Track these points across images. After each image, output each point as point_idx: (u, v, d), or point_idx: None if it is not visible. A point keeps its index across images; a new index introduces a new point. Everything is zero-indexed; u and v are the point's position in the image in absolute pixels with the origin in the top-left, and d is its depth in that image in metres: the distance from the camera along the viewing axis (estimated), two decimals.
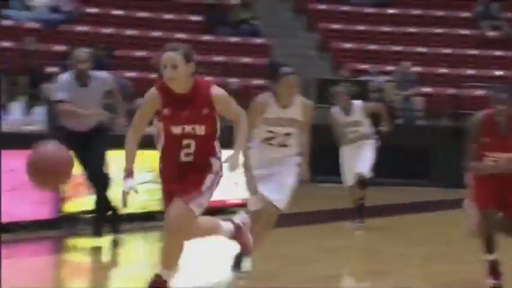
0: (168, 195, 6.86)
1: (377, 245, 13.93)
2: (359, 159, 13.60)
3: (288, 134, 9.12)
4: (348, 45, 28.58)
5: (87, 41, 23.71)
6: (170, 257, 6.93)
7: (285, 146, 9.15)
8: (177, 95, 6.76)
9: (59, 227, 13.96)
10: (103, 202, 13.00)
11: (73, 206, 14.66)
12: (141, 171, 14.89)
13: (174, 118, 6.80)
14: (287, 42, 29.21)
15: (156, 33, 28.04)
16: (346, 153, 13.61)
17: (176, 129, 6.77)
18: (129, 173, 6.63)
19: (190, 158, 6.87)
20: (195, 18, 29.77)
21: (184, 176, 6.84)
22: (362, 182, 13.59)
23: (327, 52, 28.10)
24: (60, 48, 24.78)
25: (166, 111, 6.72)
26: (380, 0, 31.02)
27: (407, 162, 22.63)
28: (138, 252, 14.91)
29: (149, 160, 14.60)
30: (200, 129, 6.78)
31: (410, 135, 23.16)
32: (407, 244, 13.63)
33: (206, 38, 28.88)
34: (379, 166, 19.00)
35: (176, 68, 6.54)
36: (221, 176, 7.04)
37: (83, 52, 12.76)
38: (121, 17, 28.85)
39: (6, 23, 25.74)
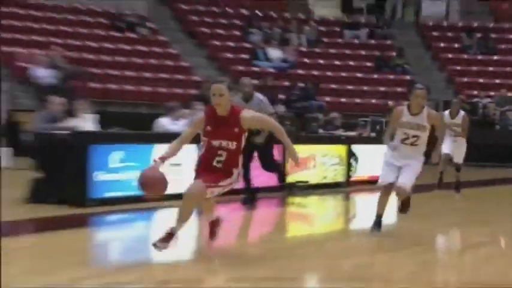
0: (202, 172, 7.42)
1: (489, 204, 14.96)
2: (457, 151, 14.56)
3: (416, 136, 9.63)
4: (465, 79, 29.95)
5: (302, 79, 28.55)
6: (181, 214, 7.29)
7: (415, 145, 9.70)
8: (218, 117, 7.17)
9: (283, 192, 15.40)
10: (282, 178, 14.16)
11: (291, 178, 16.17)
12: (333, 157, 18.03)
13: (214, 134, 7.20)
14: (425, 78, 28.84)
15: (345, 74, 31.00)
16: (446, 141, 13.92)
17: (215, 142, 7.20)
18: (160, 159, 7.11)
19: (220, 165, 7.29)
20: (368, 63, 32.06)
21: (212, 173, 7.33)
22: (458, 169, 14.85)
23: (452, 84, 29.37)
24: (286, 84, 28.49)
25: (208, 128, 7.14)
26: (488, 50, 32.57)
27: (501, 153, 24.34)
28: (328, 207, 16.42)
29: (337, 151, 18.20)
30: (232, 144, 7.26)
31: (504, 136, 25.65)
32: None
33: (374, 76, 31.19)
34: (485, 154, 23.02)
35: (222, 96, 7.05)
36: (234, 184, 7.63)
37: (246, 80, 13.50)
38: (322, 64, 31.45)
39: (255, 69, 29.35)
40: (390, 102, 26.25)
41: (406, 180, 9.42)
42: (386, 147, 9.87)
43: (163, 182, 7.06)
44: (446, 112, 14.46)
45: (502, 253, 9.51)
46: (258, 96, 13.35)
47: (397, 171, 9.52)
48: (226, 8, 33.55)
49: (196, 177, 7.26)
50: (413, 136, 9.46)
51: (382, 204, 10.00)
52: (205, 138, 7.14)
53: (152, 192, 7.24)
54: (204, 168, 7.24)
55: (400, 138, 9.49)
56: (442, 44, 33.72)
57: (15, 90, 23.48)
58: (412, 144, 9.47)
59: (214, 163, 7.19)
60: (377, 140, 18.07)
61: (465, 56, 32.55)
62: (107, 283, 6.52)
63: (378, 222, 10.00)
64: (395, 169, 9.61)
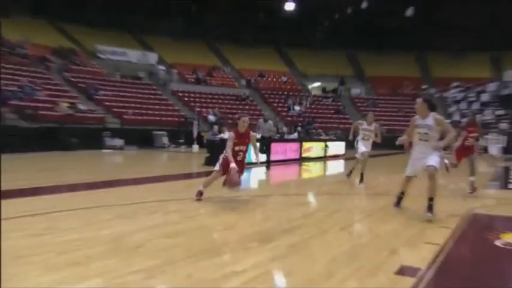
0: (227, 168, 6.66)
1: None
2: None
3: (370, 136, 9.57)
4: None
5: (307, 118, 29.46)
6: (210, 183, 6.94)
7: (367, 140, 9.59)
8: (240, 134, 6.80)
9: (300, 161, 15.96)
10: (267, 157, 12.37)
11: (303, 155, 16.60)
12: (319, 146, 18.21)
13: (237, 142, 6.78)
14: (355, 118, 28.30)
15: (323, 115, 31.65)
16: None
17: (237, 148, 6.77)
18: (233, 165, 6.55)
19: (240, 158, 6.81)
20: (332, 111, 31.96)
21: (238, 166, 6.64)
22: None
23: (365, 119, 23.49)
24: (301, 119, 28.87)
25: (236, 140, 6.74)
26: (374, 105, 31.97)
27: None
28: (318, 166, 15.59)
29: (321, 144, 18.52)
30: (244, 148, 6.85)
31: None
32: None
33: (335, 115, 31.58)
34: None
35: (248, 123, 6.85)
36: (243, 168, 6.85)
37: (266, 113, 12.76)
38: (315, 112, 31.68)
39: (290, 114, 30.65)
40: (341, 125, 28.84)
41: (369, 149, 9.44)
42: (358, 141, 9.79)
43: (239, 182, 6.65)
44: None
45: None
46: (269, 121, 13.31)
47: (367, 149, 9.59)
48: (279, 92, 34.44)
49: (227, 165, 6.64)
50: (368, 135, 9.53)
51: (352, 166, 9.82)
52: (232, 144, 6.76)
53: (233, 187, 6.68)
54: (233, 161, 6.64)
55: (361, 137, 9.57)
56: (359, 104, 34.48)
57: (201, 124, 24.84)
58: (367, 140, 9.60)
59: (238, 159, 6.83)
60: (337, 140, 21.13)
61: (368, 108, 31.77)
62: (229, 197, 7.10)
63: (350, 173, 10.10)
64: (364, 148, 9.60)
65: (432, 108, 6.23)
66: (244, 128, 6.86)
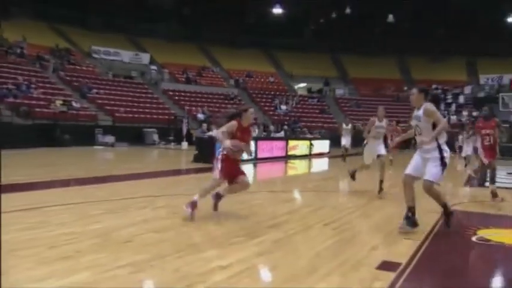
0: (230, 171, 5.69)
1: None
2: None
3: (380, 132, 8.22)
4: (349, 113, 27.91)
5: (293, 117, 29.73)
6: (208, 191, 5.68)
7: (379, 138, 8.22)
8: (243, 127, 5.73)
9: (286, 159, 15.55)
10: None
11: (289, 153, 16.49)
12: (305, 145, 17.92)
13: (239, 137, 5.66)
14: (339, 116, 31.01)
15: (309, 115, 31.78)
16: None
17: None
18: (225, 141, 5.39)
19: (239, 157, 5.84)
20: (317, 111, 32.06)
21: (238, 165, 5.81)
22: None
23: (346, 116, 24.22)
24: (287, 118, 29.49)
25: (238, 134, 5.64)
26: (358, 106, 32.76)
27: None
28: (303, 163, 15.49)
29: (306, 143, 18.27)
30: (246, 146, 5.77)
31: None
32: None
33: (320, 115, 31.88)
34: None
35: (254, 115, 5.84)
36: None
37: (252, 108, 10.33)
38: (301, 111, 31.68)
39: (276, 113, 30.70)
40: (325, 125, 29.19)
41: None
42: (367, 139, 8.29)
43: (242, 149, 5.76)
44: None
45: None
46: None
47: (376, 149, 8.24)
48: (266, 92, 34.45)
49: (227, 168, 5.62)
50: (379, 132, 8.26)
51: (360, 167, 8.66)
52: (226, 130, 5.66)
53: (237, 154, 5.73)
54: (232, 162, 5.75)
55: (372, 135, 8.18)
56: (342, 104, 34.78)
57: (190, 122, 24.95)
58: (378, 138, 8.29)
59: (238, 156, 5.86)
60: (321, 138, 21.03)
61: (351, 108, 33.57)
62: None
63: (354, 174, 8.89)
64: (375, 151, 8.27)
65: (431, 99, 5.34)
66: (249, 122, 5.77)
